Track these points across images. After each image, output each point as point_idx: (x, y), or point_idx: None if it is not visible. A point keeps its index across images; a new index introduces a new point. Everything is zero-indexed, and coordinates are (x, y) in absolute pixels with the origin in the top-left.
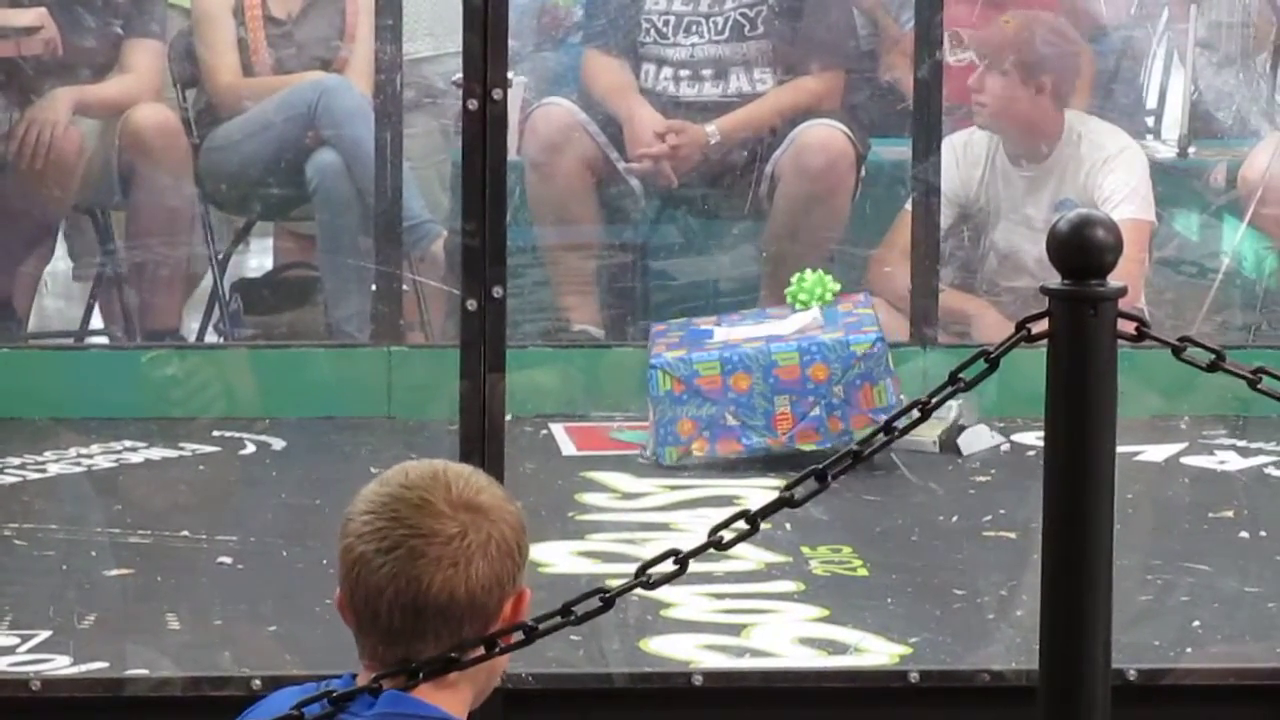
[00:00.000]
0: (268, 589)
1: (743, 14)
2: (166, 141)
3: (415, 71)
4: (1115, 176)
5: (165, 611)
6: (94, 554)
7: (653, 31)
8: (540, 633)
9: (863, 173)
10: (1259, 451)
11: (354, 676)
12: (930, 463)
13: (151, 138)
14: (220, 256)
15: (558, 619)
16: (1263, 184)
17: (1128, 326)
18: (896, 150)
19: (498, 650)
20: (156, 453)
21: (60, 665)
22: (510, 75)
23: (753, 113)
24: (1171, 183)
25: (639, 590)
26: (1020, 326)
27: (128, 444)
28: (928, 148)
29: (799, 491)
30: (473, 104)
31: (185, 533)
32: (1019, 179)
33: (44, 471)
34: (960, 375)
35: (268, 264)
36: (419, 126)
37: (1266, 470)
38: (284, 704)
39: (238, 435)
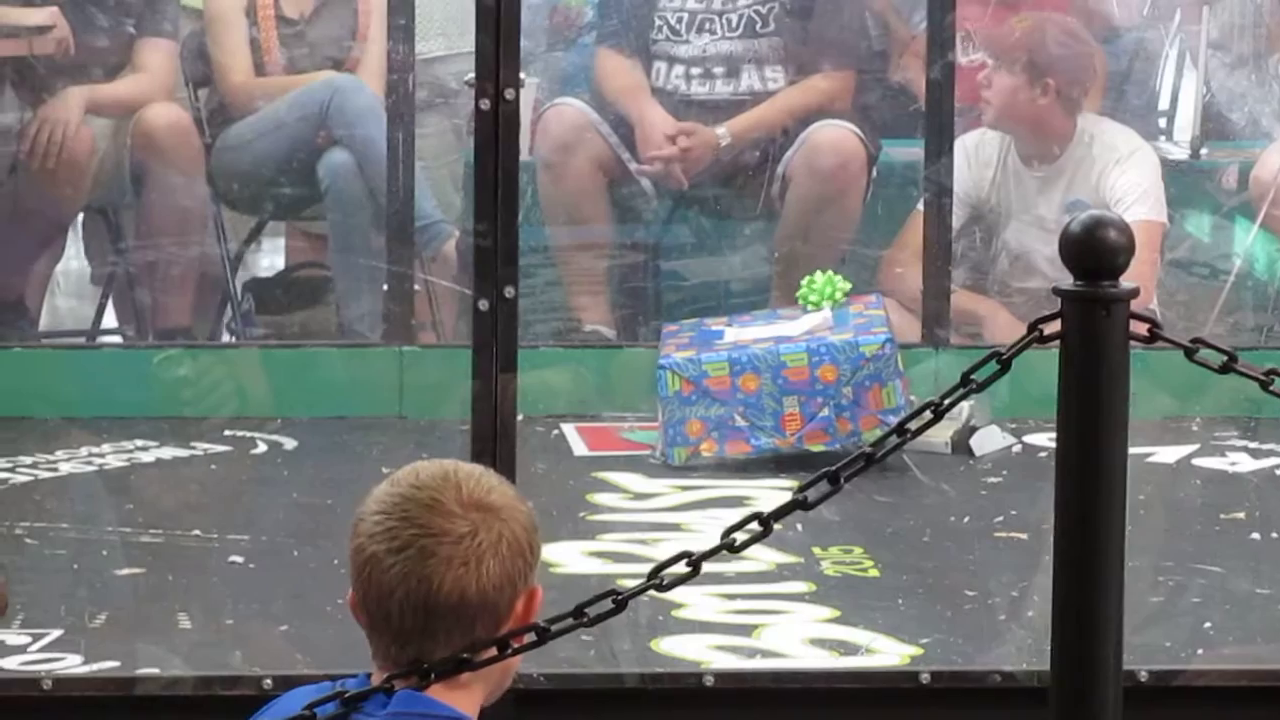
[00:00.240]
0: (279, 588)
1: (756, 11)
2: (178, 141)
3: (427, 71)
4: (1127, 178)
5: (176, 611)
6: (105, 553)
7: (666, 29)
8: (553, 634)
9: (874, 174)
10: (1271, 453)
11: (368, 676)
12: (942, 464)
13: (164, 137)
14: (232, 256)
15: (570, 620)
16: (1275, 185)
17: (1140, 328)
18: (908, 151)
19: (510, 651)
20: (168, 452)
21: (71, 664)
22: (522, 75)
23: (764, 113)
24: (1183, 184)
25: (651, 591)
26: (1032, 327)
27: (139, 443)
28: (939, 149)
29: (811, 494)
30: (485, 104)
31: (197, 532)
32: (1031, 179)
33: (56, 471)
34: (972, 376)
35: (279, 263)
36: (431, 126)
37: (1278, 472)
38: (298, 703)
39: (249, 435)
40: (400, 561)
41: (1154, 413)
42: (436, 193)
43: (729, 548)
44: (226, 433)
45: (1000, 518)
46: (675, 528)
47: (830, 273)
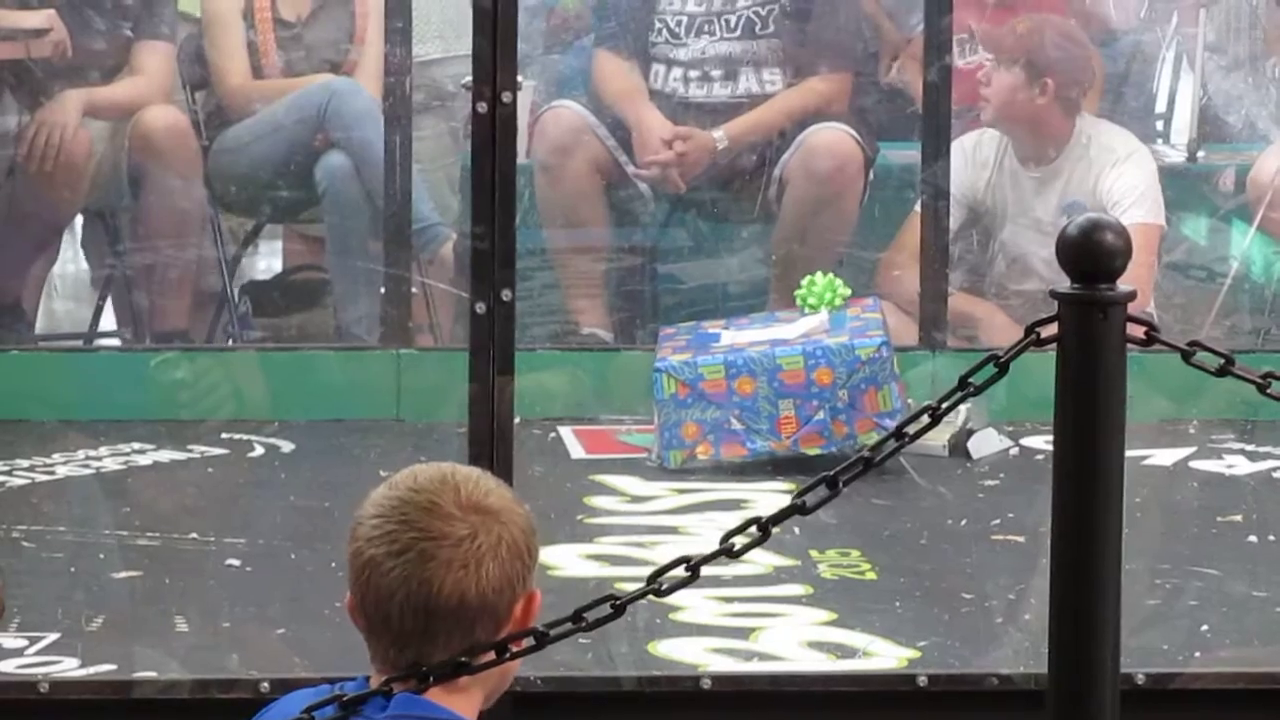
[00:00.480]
0: (276, 591)
1: (755, 12)
2: (176, 144)
3: (424, 74)
4: (1125, 180)
5: (173, 614)
6: (102, 556)
7: (665, 31)
8: (551, 638)
9: (871, 176)
10: (1268, 456)
11: (366, 680)
12: (939, 466)
13: (161, 140)
14: (230, 258)
15: (568, 625)
16: (1272, 188)
17: (1137, 331)
18: (905, 154)
19: (509, 655)
20: (165, 455)
21: (68, 667)
22: (520, 78)
23: (761, 116)
24: (1180, 187)
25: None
26: (1030, 330)
27: (136, 446)
28: (936, 151)
29: (810, 498)
30: (482, 107)
31: (194, 535)
32: (1028, 180)
33: (52, 473)
34: (970, 380)
35: (277, 266)
36: (428, 129)
37: (1275, 474)
38: (296, 707)
39: (246, 437)
40: (400, 565)
41: (1151, 415)
42: (434, 195)
43: (728, 553)
44: (223, 435)
45: (997, 520)
46: (673, 531)
47: (830, 276)
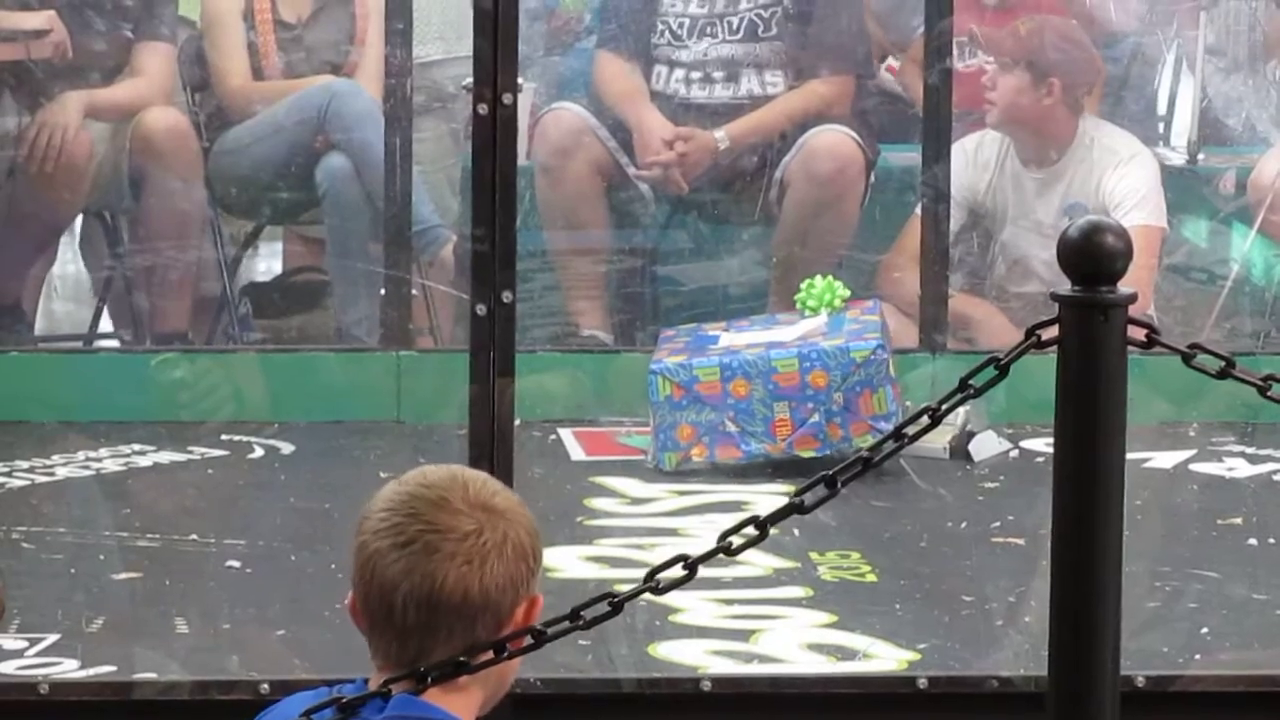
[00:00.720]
0: (276, 593)
1: (757, 15)
2: (177, 145)
3: (425, 75)
4: (1126, 182)
5: (173, 615)
6: (102, 557)
7: (667, 33)
8: (549, 637)
9: (872, 178)
10: (1268, 458)
11: (365, 682)
12: (939, 469)
13: (162, 141)
14: (230, 260)
15: (566, 623)
16: (1272, 191)
17: (1138, 333)
18: (906, 156)
19: (507, 655)
20: (165, 456)
21: (68, 669)
22: (520, 80)
23: (762, 118)
24: (1181, 189)
25: (648, 595)
26: (1030, 333)
27: (136, 447)
28: (937, 154)
29: (808, 498)
30: (483, 108)
31: (194, 536)
32: (1029, 181)
33: (52, 475)
34: (970, 382)
35: (277, 268)
36: (429, 131)
37: (1275, 477)
38: (295, 709)
39: (246, 439)
40: (405, 556)
41: (1151, 418)
42: (434, 197)
43: (725, 551)
44: (223, 437)
45: (998, 523)
46: (672, 533)
47: (830, 278)
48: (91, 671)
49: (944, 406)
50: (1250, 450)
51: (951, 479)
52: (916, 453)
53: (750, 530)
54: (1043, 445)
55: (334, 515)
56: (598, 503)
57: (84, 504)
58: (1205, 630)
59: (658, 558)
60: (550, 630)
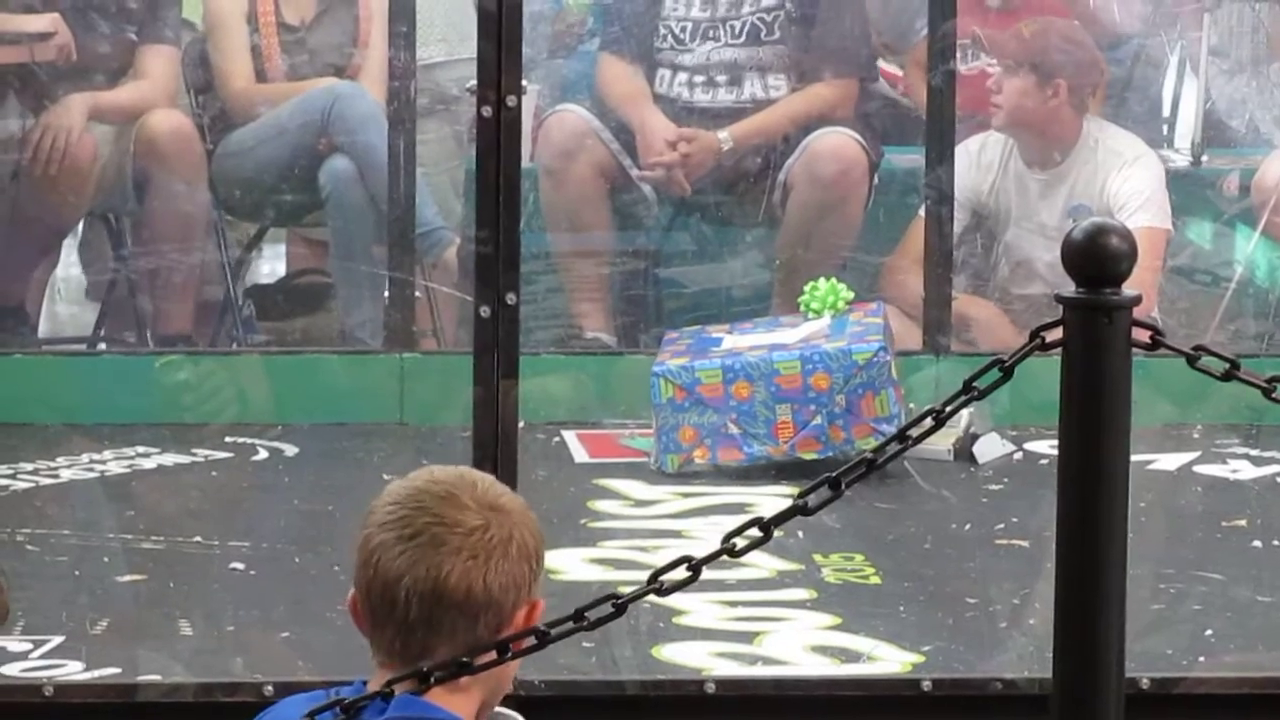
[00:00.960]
0: (280, 595)
1: (760, 19)
2: (181, 147)
3: (428, 77)
4: (1131, 184)
5: (177, 617)
6: (106, 559)
7: (670, 37)
8: (552, 638)
9: (875, 180)
10: (1272, 460)
11: (364, 684)
12: (943, 471)
13: (166, 144)
14: (233, 262)
15: (570, 624)
16: (1276, 192)
17: (1142, 335)
18: (909, 158)
19: (509, 655)
20: (169, 458)
21: (72, 671)
22: (524, 82)
23: (766, 120)
24: (1185, 191)
25: (651, 597)
26: (1034, 335)
27: (140, 449)
28: (940, 156)
29: (812, 499)
30: (487, 110)
31: (198, 538)
32: (1033, 183)
33: (56, 477)
34: (974, 384)
35: (280, 270)
36: (432, 133)
37: (1279, 479)
38: (294, 711)
39: (250, 441)
40: (411, 548)
41: (1155, 420)
42: (438, 199)
43: (729, 552)
44: (227, 439)
45: (1001, 525)
46: (676, 535)
47: (833, 280)
48: (96, 674)
49: (948, 408)
50: (1254, 452)
51: (955, 481)
52: (920, 455)
53: (754, 532)
54: (1047, 447)
55: (337, 517)
56: (601, 505)
57: (88, 506)
58: (1209, 632)
59: (661, 560)
60: (554, 631)
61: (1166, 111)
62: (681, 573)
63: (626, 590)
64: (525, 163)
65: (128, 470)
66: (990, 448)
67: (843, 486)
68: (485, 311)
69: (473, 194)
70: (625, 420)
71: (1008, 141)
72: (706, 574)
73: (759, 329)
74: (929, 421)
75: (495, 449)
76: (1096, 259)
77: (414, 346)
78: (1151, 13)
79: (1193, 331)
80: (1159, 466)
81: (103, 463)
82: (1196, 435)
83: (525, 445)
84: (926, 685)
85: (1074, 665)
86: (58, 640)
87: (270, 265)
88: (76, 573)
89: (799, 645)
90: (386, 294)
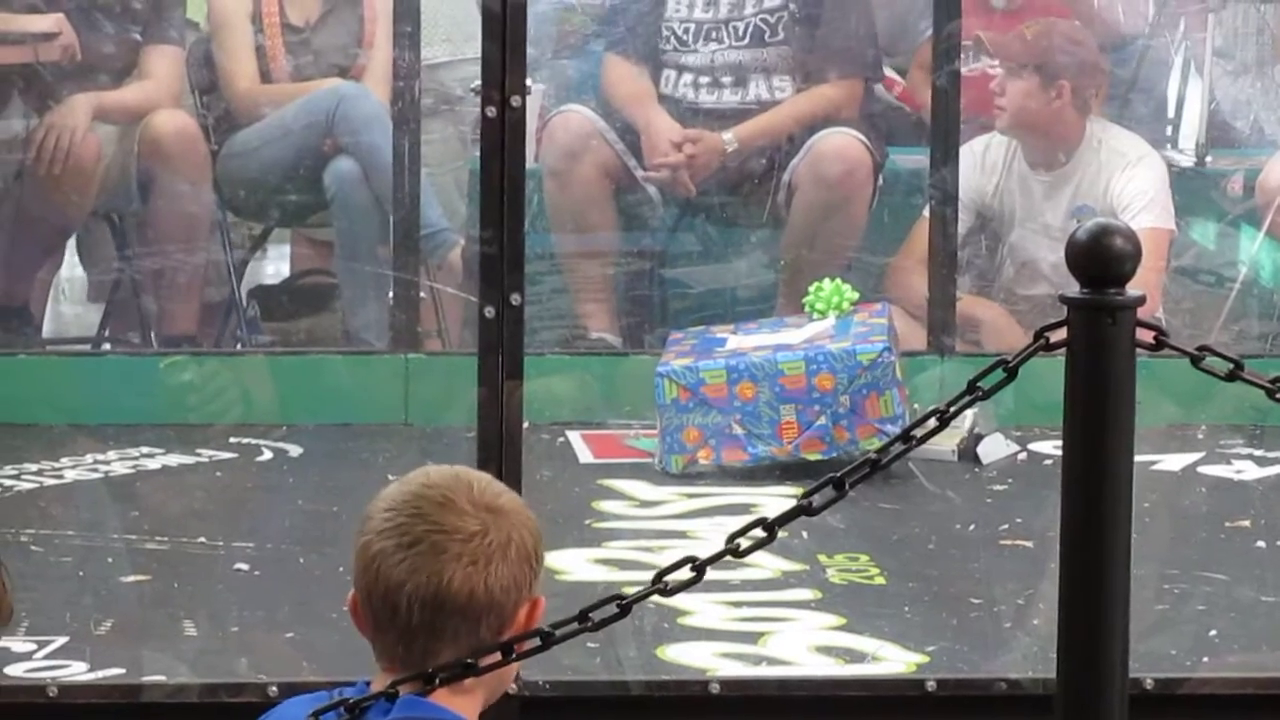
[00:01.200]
0: (284, 595)
1: (763, 20)
2: (185, 148)
3: (433, 78)
4: (1135, 184)
5: (182, 618)
6: (111, 560)
7: (673, 38)
8: (557, 639)
9: (880, 181)
10: (1276, 461)
11: (368, 684)
12: (947, 471)
13: (170, 144)
14: (238, 263)
15: (574, 625)
16: None
17: (1146, 335)
18: (914, 159)
19: (514, 656)
20: (174, 459)
21: (77, 671)
22: (529, 82)
23: (770, 121)
24: (1189, 191)
25: (656, 598)
26: (1039, 335)
27: (145, 450)
28: (945, 156)
29: (816, 500)
30: (491, 111)
31: (202, 539)
32: (1037, 184)
33: (61, 478)
34: (978, 384)
35: (285, 271)
36: (437, 133)
37: None
38: (297, 712)
39: (255, 442)
40: (411, 556)
41: (1159, 420)
42: (442, 200)
43: (733, 553)
44: (232, 440)
45: (1006, 525)
46: (681, 535)
47: (838, 281)
48: (100, 674)
49: (952, 409)
50: (1259, 453)
51: (960, 481)
52: (925, 455)
53: (758, 532)
54: (1051, 448)
55: (342, 518)
56: (606, 505)
57: (92, 507)
58: (1213, 633)
59: (666, 560)
60: (558, 632)
61: (1171, 112)
62: (686, 573)
63: (631, 591)
64: (530, 163)
65: (132, 471)
66: (994, 448)
67: (847, 487)
68: (490, 312)
69: (477, 194)
70: (630, 421)
71: (1011, 143)
72: (711, 574)
73: (764, 329)
74: (933, 422)
75: (500, 449)
76: (1101, 260)
77: (419, 347)
78: (1156, 14)
79: (1197, 332)
80: (1163, 467)
81: (107, 463)
82: (1201, 436)
83: (530, 446)
84: (931, 685)
85: (1078, 665)
86: (62, 641)
87: (275, 266)
88: (81, 573)
89: (803, 645)
90: (391, 295)
